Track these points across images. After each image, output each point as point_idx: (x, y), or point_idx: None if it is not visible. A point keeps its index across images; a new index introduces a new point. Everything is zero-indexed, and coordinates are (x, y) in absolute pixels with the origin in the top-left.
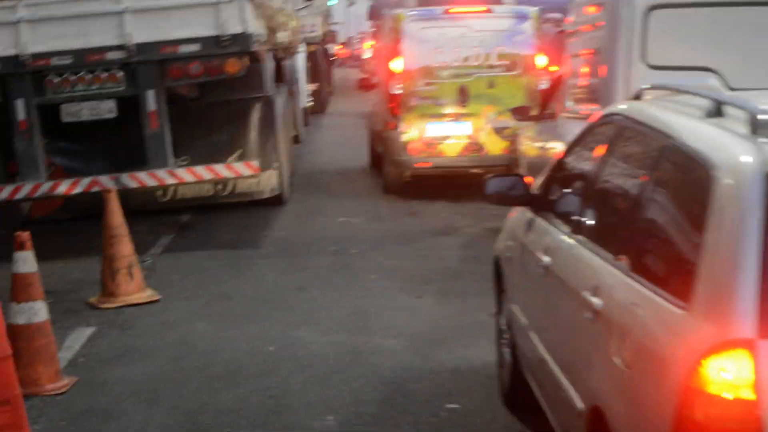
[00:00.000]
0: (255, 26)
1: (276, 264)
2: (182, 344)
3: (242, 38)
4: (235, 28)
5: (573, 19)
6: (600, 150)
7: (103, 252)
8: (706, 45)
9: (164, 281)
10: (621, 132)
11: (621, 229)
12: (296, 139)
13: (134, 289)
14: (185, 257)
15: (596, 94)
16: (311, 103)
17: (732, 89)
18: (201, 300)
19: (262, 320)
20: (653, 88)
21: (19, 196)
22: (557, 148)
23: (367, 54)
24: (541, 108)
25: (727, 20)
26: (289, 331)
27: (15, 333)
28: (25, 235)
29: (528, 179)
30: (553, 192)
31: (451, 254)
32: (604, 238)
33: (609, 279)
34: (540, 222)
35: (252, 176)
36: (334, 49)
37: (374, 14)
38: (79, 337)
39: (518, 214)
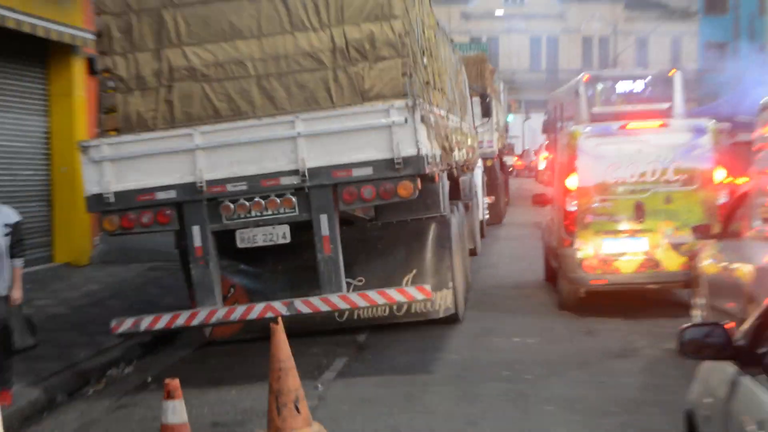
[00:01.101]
0: (429, 147)
1: (448, 393)
2: None
3: (416, 161)
4: (408, 151)
5: (761, 132)
6: None
7: (269, 385)
8: None
9: (334, 412)
10: None
11: None
12: (473, 252)
13: (301, 425)
14: (358, 383)
15: None
16: (488, 216)
17: None
18: None
19: None
20: None
21: (195, 323)
22: (744, 269)
23: (541, 165)
24: (722, 224)
25: None
26: None
27: None
28: (173, 384)
29: (730, 325)
30: (764, 344)
31: (630, 381)
32: None
33: None
34: (748, 383)
35: (425, 304)
36: (511, 161)
37: (548, 128)
38: None
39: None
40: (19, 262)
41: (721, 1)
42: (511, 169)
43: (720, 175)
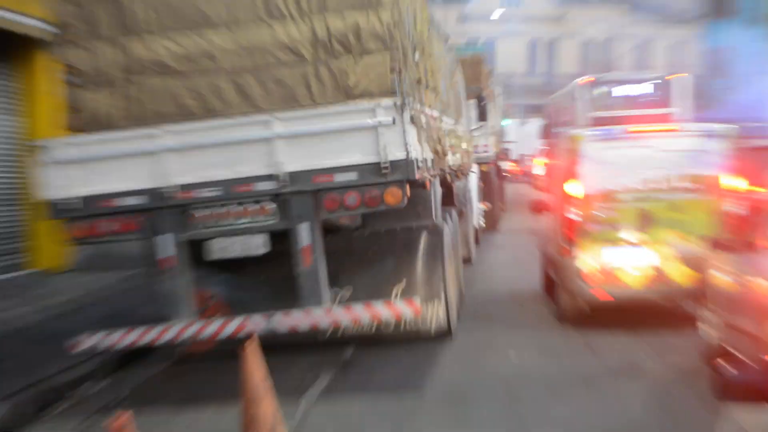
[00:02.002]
0: (420, 151)
1: (438, 418)
2: None
3: (404, 165)
4: (396, 155)
5: None
6: None
7: (241, 415)
8: None
9: None
10: None
11: None
12: (467, 260)
13: None
14: (342, 404)
15: None
16: (483, 224)
17: None
18: None
19: None
20: None
21: (162, 341)
22: (762, 283)
23: (538, 170)
24: (737, 236)
25: None
26: None
27: None
28: (120, 422)
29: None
30: None
31: (635, 402)
32: None
33: None
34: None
35: (414, 319)
36: (507, 166)
37: (546, 133)
38: None
39: None
40: None
41: (728, 5)
42: (506, 174)
43: (736, 183)
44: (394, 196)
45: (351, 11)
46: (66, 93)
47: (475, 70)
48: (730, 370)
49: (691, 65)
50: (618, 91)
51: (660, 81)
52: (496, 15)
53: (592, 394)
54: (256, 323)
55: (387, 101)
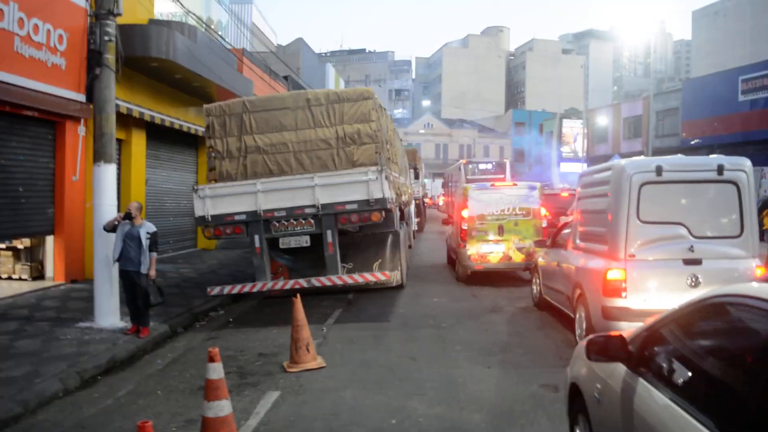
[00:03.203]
0: (389, 193)
1: (398, 336)
2: (332, 414)
3: (382, 201)
4: (377, 195)
5: (581, 189)
6: (705, 325)
7: (291, 334)
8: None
9: (332, 349)
10: (737, 312)
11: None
12: (410, 247)
13: (310, 359)
14: (347, 327)
15: (602, 237)
16: (416, 228)
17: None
18: (352, 367)
19: (388, 389)
20: None
21: (255, 290)
22: (570, 265)
23: (441, 203)
24: (551, 239)
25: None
26: (406, 401)
27: (206, 424)
28: (214, 351)
29: (627, 333)
30: (650, 353)
31: (502, 329)
32: (703, 404)
33: None
34: (641, 382)
35: (386, 281)
36: (427, 200)
37: (444, 185)
38: (266, 402)
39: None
40: (154, 254)
41: (522, 126)
42: (426, 204)
43: (542, 211)
44: (376, 217)
45: (356, 123)
46: (209, 161)
47: (412, 155)
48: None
49: (508, 155)
50: (480, 166)
51: (498, 162)
52: (421, 131)
53: (479, 323)
54: (302, 282)
55: (373, 168)
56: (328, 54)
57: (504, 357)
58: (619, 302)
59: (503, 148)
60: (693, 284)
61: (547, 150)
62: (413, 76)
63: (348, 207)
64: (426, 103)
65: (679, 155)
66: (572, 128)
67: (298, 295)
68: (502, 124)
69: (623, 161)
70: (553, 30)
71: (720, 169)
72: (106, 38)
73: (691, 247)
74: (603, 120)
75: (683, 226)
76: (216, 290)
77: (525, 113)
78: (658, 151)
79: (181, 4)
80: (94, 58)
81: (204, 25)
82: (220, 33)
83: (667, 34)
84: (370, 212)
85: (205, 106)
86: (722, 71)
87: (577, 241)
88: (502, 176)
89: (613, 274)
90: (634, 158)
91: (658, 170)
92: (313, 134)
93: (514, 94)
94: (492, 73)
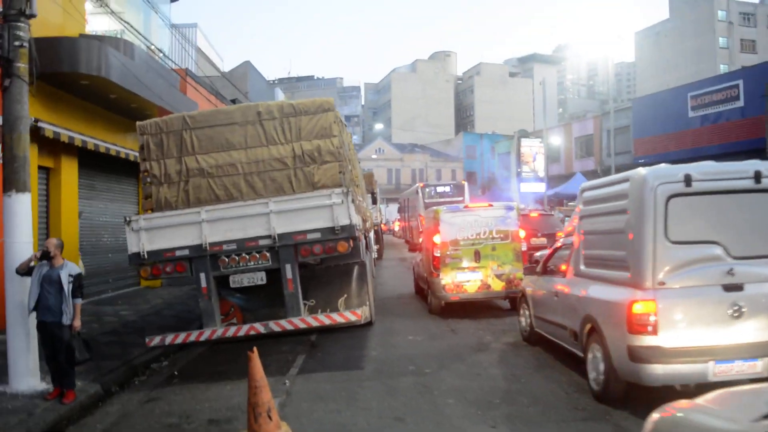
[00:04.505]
0: (356, 219)
1: (376, 388)
2: None
3: (349, 228)
4: (344, 222)
5: (583, 207)
6: None
7: (248, 398)
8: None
9: (298, 410)
10: None
11: None
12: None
13: (273, 428)
14: (313, 379)
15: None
16: (376, 256)
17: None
18: None
19: None
20: None
21: (202, 338)
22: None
23: (396, 228)
24: (542, 266)
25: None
26: None
27: None
28: None
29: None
30: None
31: (495, 373)
32: None
33: None
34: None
35: (356, 321)
36: (383, 226)
37: (400, 210)
38: None
39: None
40: (78, 301)
41: (472, 149)
42: (383, 230)
43: (522, 234)
44: (343, 247)
45: (315, 139)
46: (144, 188)
47: (369, 179)
48: None
49: (461, 178)
50: (437, 189)
51: (456, 184)
52: (374, 157)
53: (467, 366)
54: (258, 327)
55: (338, 190)
56: (276, 81)
57: (508, 411)
58: (648, 340)
59: (455, 171)
60: (736, 315)
61: (501, 171)
62: (363, 102)
63: (310, 236)
64: (379, 126)
65: (710, 161)
66: (531, 147)
67: (255, 350)
68: (453, 147)
69: (643, 170)
70: (498, 54)
71: (758, 176)
72: (17, 43)
73: (731, 269)
74: (555, 140)
75: (719, 245)
76: (156, 340)
77: (476, 136)
78: (610, 170)
79: (119, 18)
80: (2, 67)
81: (144, 38)
82: (162, 51)
83: (608, 57)
84: (336, 242)
85: (138, 123)
86: (671, 88)
87: (582, 267)
88: (460, 198)
89: (640, 307)
90: (657, 166)
91: (687, 180)
92: (266, 153)
93: (463, 118)
94: (441, 97)
